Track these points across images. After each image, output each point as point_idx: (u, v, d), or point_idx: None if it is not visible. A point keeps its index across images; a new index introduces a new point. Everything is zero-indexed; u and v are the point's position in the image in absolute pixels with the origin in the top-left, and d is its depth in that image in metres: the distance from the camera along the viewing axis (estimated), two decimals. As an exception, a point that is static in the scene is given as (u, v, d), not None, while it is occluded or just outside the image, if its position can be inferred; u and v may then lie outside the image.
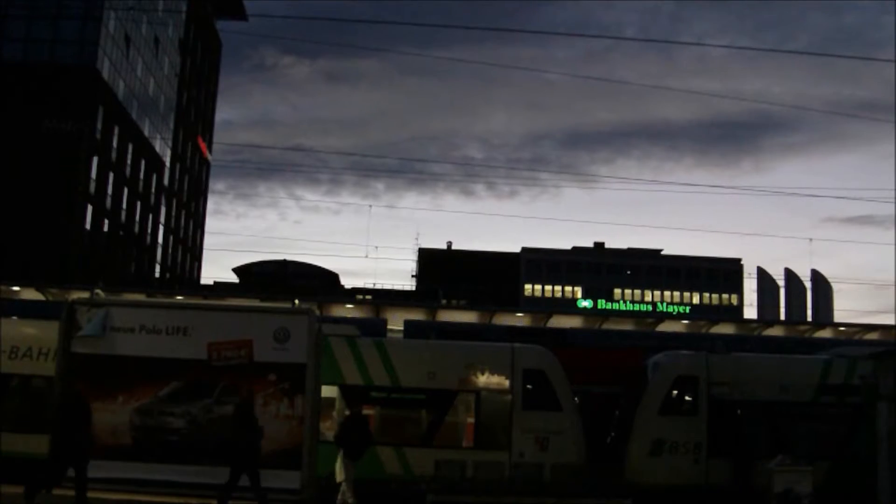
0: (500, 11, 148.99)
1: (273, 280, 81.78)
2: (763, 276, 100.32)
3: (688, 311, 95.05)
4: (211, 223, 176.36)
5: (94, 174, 51.11)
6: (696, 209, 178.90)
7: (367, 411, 16.10)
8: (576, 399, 16.38)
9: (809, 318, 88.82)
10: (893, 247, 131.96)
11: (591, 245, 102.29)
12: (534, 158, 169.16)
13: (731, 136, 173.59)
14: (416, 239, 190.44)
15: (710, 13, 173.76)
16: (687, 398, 16.50)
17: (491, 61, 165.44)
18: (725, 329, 30.32)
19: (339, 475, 13.82)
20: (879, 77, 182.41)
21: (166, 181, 66.93)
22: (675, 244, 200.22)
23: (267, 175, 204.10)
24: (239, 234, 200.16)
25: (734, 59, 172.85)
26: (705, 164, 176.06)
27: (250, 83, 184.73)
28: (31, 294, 26.62)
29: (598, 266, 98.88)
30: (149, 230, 63.15)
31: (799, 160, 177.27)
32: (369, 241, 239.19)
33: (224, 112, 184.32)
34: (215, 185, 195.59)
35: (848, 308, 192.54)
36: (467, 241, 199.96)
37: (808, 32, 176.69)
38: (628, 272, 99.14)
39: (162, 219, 66.58)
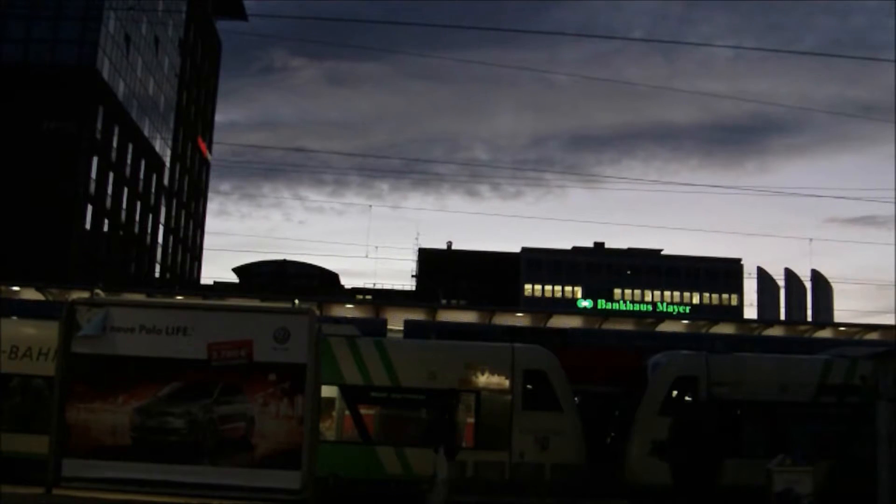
0: (506, 13, 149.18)
1: (273, 280, 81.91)
2: (763, 276, 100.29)
3: (688, 311, 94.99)
4: (215, 223, 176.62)
5: (94, 174, 51.11)
6: (697, 209, 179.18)
7: (366, 411, 16.14)
8: (576, 399, 16.38)
9: (809, 318, 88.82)
10: (893, 247, 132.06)
11: (591, 245, 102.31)
12: (539, 159, 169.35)
13: (736, 137, 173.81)
14: (416, 239, 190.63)
15: (717, 15, 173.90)
16: (687, 398, 16.49)
17: (496, 63, 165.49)
18: (725, 329, 30.30)
19: (441, 472, 13.83)
20: (884, 78, 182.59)
21: (166, 181, 66.94)
22: (675, 244, 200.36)
23: (272, 176, 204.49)
24: (239, 235, 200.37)
25: (739, 61, 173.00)
26: (710, 164, 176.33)
27: (256, 84, 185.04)
28: (31, 294, 26.62)
29: (598, 266, 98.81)
30: (149, 230, 63.16)
31: (803, 161, 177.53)
32: (370, 242, 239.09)
33: (230, 113, 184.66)
34: (220, 185, 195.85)
35: (848, 308, 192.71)
36: (469, 242, 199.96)
37: (814, 34, 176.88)
38: (628, 272, 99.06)
39: (162, 219, 66.59)
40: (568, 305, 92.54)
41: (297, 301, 16.91)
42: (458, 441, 14.36)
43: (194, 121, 76.49)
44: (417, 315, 28.32)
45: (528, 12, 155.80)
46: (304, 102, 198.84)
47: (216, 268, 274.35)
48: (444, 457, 13.88)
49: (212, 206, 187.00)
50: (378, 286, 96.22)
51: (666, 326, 30.43)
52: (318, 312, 16.52)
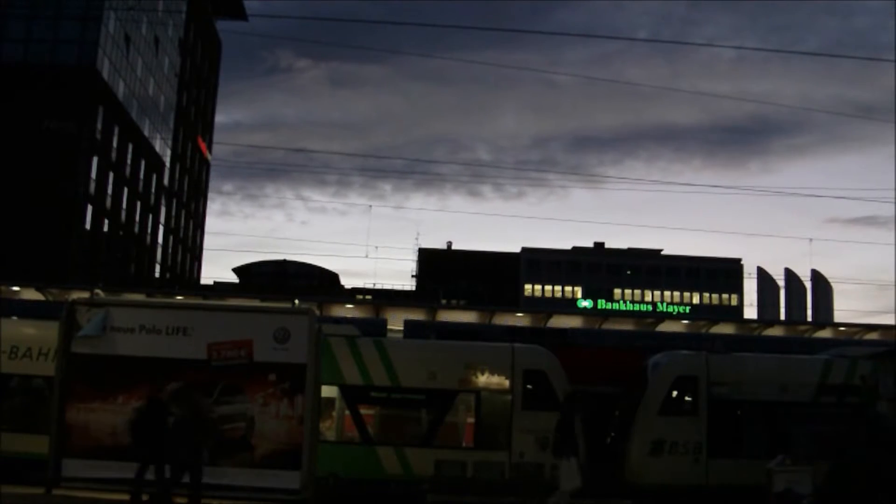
0: (508, 14, 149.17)
1: (273, 280, 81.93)
2: (763, 276, 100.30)
3: (688, 311, 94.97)
4: (218, 224, 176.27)
5: (94, 174, 51.11)
6: (698, 209, 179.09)
7: (366, 411, 16.14)
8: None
9: (809, 318, 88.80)
10: (894, 247, 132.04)
11: (591, 245, 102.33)
12: (541, 160, 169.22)
13: (739, 137, 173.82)
14: (417, 239, 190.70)
15: (719, 16, 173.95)
16: (687, 398, 16.49)
17: (499, 64, 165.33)
18: (725, 329, 30.25)
19: (568, 482, 13.27)
20: (885, 79, 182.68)
21: (166, 181, 66.93)
22: (675, 244, 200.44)
23: (274, 176, 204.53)
24: (240, 235, 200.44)
25: (742, 61, 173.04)
26: (713, 165, 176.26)
27: (259, 85, 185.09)
28: (31, 294, 26.59)
29: (598, 266, 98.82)
30: (149, 230, 63.15)
31: (804, 161, 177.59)
32: (371, 242, 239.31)
33: (232, 113, 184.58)
34: (223, 185, 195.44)
35: (848, 308, 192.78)
36: (469, 242, 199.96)
37: (817, 35, 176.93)
38: (628, 272, 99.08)
39: (162, 219, 66.58)
40: (568, 305, 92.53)
41: (297, 301, 16.91)
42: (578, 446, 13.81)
43: (194, 121, 76.48)
44: (417, 315, 28.29)
45: (530, 13, 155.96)
46: (307, 103, 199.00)
47: (216, 268, 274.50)
48: (575, 466, 13.30)
49: (214, 206, 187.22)
50: (378, 286, 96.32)
51: (666, 326, 30.38)
52: (318, 312, 16.52)
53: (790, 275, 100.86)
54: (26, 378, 15.96)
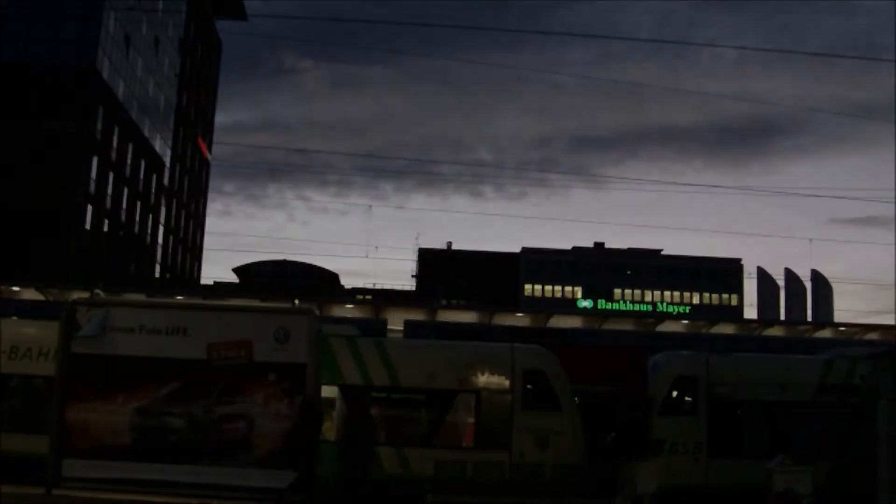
0: (509, 15, 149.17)
1: (273, 280, 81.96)
2: (763, 276, 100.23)
3: (688, 311, 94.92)
4: (219, 224, 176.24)
5: (94, 174, 51.08)
6: (698, 209, 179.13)
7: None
8: (576, 399, 16.38)
9: (809, 318, 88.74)
10: (894, 247, 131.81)
11: (591, 245, 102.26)
12: (543, 160, 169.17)
13: (740, 138, 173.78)
14: (417, 239, 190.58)
15: (722, 17, 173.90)
16: (687, 398, 16.50)
17: (500, 64, 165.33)
18: (725, 329, 30.33)
19: (646, 485, 13.30)
20: (886, 79, 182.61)
21: (166, 181, 66.90)
22: (675, 244, 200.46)
23: (275, 176, 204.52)
24: (240, 235, 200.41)
25: (743, 62, 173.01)
26: (714, 165, 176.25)
27: (262, 86, 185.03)
28: (31, 294, 26.65)
29: (598, 266, 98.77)
30: (149, 230, 63.13)
31: (806, 162, 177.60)
32: (371, 242, 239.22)
33: (235, 114, 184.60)
34: (224, 186, 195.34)
35: (848, 308, 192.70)
36: (469, 242, 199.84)
37: (819, 36, 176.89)
38: (628, 272, 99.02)
39: (162, 219, 66.55)
40: (568, 305, 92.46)
41: (297, 301, 16.91)
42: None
43: (194, 121, 76.47)
44: (417, 315, 28.35)
45: (532, 14, 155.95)
46: (308, 103, 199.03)
47: (217, 268, 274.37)
48: (653, 469, 13.32)
49: (215, 206, 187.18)
50: (378, 286, 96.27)
51: (666, 326, 30.45)
52: (318, 312, 16.51)
53: (790, 275, 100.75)
54: (26, 378, 15.96)
